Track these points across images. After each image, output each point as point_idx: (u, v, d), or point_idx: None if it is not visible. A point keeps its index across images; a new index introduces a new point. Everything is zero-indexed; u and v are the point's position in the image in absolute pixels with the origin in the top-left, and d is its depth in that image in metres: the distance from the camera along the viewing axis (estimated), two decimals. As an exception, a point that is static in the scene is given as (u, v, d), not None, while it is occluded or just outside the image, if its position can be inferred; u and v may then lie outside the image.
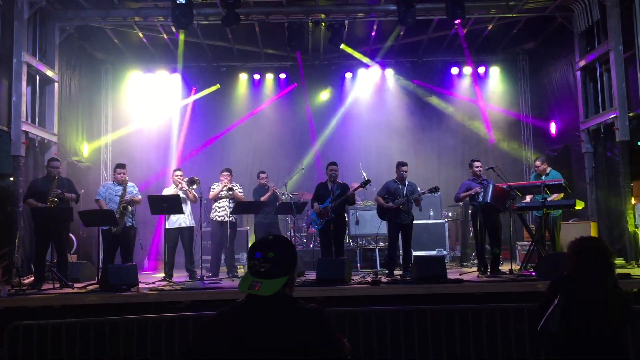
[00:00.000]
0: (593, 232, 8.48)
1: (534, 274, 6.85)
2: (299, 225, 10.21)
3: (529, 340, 4.73)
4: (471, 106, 11.75)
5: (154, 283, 6.96)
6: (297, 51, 10.68)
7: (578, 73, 9.50)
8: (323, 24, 9.69)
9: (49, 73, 9.00)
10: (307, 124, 11.75)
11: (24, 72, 8.18)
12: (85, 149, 10.57)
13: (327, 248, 7.68)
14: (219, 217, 8.20)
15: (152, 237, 10.68)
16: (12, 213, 8.02)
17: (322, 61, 11.77)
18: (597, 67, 9.05)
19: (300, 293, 5.51)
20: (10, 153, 8.05)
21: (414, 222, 7.82)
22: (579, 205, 7.47)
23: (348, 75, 11.85)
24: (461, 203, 8.90)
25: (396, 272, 7.65)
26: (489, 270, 7.35)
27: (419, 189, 7.83)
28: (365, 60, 11.06)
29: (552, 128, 10.41)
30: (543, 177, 7.98)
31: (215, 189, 8.30)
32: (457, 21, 9.02)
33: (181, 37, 10.09)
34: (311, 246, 9.88)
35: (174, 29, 9.74)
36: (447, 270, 6.66)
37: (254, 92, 11.97)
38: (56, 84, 9.22)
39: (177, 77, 11.56)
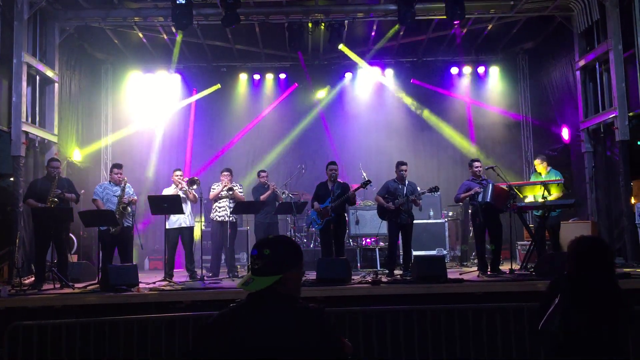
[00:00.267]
0: (593, 232, 8.48)
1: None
2: (299, 225, 10.20)
3: (529, 340, 4.73)
4: (471, 106, 11.76)
5: (154, 283, 6.97)
6: (299, 51, 10.68)
7: (578, 73, 9.50)
8: (323, 24, 9.69)
9: (49, 73, 9.00)
10: (307, 124, 11.75)
11: (24, 73, 8.19)
12: (85, 150, 10.55)
13: (327, 248, 7.69)
14: (219, 217, 8.20)
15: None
16: (12, 213, 8.03)
17: (322, 61, 11.77)
18: (597, 66, 9.05)
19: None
20: (10, 153, 8.06)
21: (414, 221, 7.82)
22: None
23: (348, 75, 11.84)
24: (461, 203, 8.90)
25: (396, 271, 7.65)
26: (489, 269, 7.36)
27: (418, 188, 7.84)
28: (363, 62, 11.04)
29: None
30: (543, 177, 7.98)
31: (216, 189, 8.29)
32: (456, 22, 9.02)
33: (178, 38, 10.10)
34: (311, 246, 9.90)
35: (173, 29, 9.74)
36: (447, 270, 6.65)
37: (254, 92, 11.98)
38: (56, 84, 9.22)
39: (177, 78, 11.56)
